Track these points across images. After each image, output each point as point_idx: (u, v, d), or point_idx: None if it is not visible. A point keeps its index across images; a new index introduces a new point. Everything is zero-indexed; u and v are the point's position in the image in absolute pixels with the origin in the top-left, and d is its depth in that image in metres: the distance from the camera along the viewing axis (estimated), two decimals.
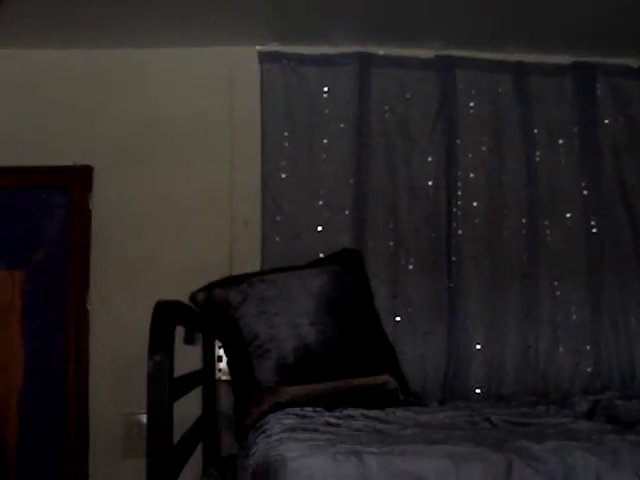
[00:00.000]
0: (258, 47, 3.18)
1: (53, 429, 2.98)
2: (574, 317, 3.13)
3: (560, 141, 3.26)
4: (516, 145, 3.22)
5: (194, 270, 2.88)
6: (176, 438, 1.93)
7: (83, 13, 2.85)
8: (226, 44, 3.14)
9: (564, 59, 3.29)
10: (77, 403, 2.97)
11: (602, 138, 3.27)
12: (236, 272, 2.93)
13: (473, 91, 3.23)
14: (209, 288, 2.68)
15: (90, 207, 3.09)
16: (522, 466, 1.46)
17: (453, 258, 3.11)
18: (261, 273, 2.85)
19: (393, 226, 3.13)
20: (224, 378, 2.93)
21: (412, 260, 3.11)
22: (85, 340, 3.00)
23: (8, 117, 3.11)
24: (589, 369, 3.08)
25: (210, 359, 2.86)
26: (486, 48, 3.23)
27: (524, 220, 3.18)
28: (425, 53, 3.23)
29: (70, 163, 3.10)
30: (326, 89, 3.18)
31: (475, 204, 3.17)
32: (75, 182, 3.11)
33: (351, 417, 2.07)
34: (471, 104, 3.23)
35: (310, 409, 2.17)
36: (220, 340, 2.82)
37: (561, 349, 3.10)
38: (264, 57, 3.17)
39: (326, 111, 3.17)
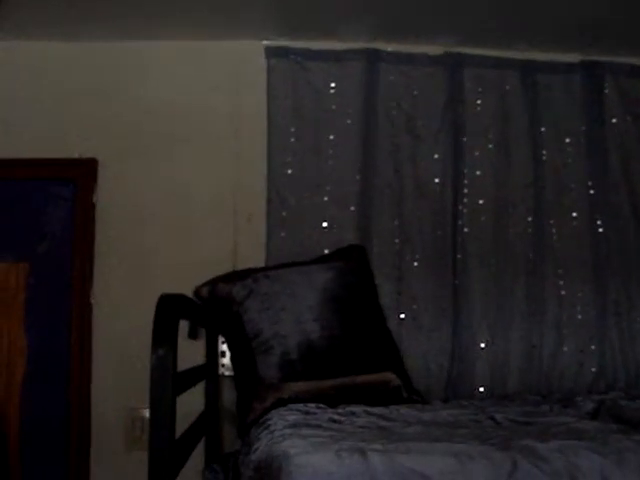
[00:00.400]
0: (265, 42, 3.17)
1: (56, 422, 2.97)
2: (579, 316, 3.11)
3: (567, 140, 3.24)
4: (523, 143, 3.21)
5: (198, 264, 2.88)
6: (178, 433, 1.92)
7: (87, 4, 2.83)
8: (233, 39, 3.13)
9: (572, 58, 3.27)
10: (80, 396, 2.96)
11: (609, 137, 3.25)
12: (240, 267, 2.92)
13: (480, 88, 3.22)
14: (213, 282, 2.68)
15: (94, 200, 3.09)
16: (527, 465, 1.44)
17: (458, 256, 3.10)
18: (266, 268, 2.84)
19: (399, 223, 3.11)
20: (227, 373, 2.92)
21: (417, 257, 3.10)
22: (88, 333, 2.99)
23: (12, 109, 3.09)
24: (594, 369, 3.06)
25: (213, 354, 2.86)
26: (494, 46, 3.21)
27: (530, 218, 3.16)
28: (433, 50, 3.22)
29: (75, 156, 3.10)
30: (333, 85, 3.17)
31: (481, 202, 3.15)
32: (80, 175, 3.10)
33: (354, 414, 2.06)
34: (478, 101, 3.21)
35: (313, 405, 2.17)
36: (223, 335, 2.81)
37: (566, 348, 3.08)
38: (271, 52, 3.16)
39: (333, 107, 3.16)
